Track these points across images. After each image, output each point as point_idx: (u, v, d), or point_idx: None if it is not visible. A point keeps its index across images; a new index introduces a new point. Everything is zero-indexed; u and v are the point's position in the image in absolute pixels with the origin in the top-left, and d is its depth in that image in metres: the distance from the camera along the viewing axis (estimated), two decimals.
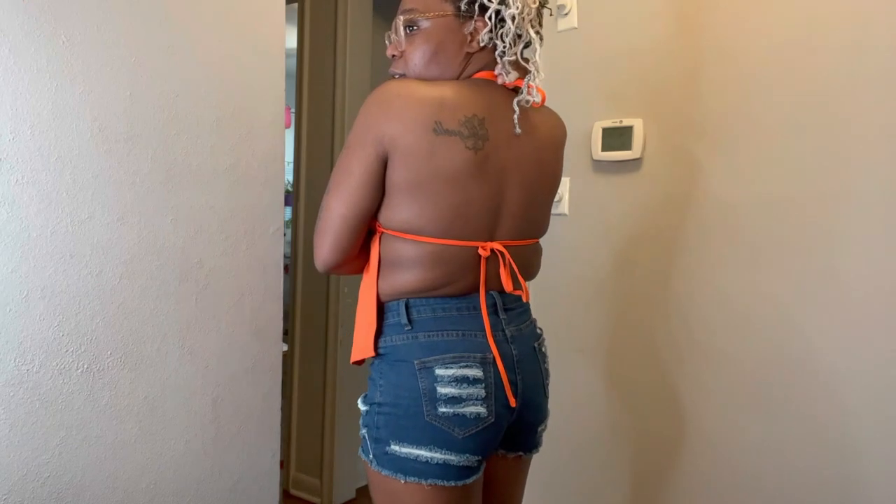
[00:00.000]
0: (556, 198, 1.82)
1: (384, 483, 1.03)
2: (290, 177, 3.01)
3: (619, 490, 1.74)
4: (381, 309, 1.07)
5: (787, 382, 1.47)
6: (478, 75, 1.07)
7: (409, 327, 1.03)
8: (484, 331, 1.04)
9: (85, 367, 1.19)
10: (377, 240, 1.05)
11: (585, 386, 1.80)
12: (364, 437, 1.06)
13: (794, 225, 1.45)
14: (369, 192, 1.01)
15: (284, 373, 2.27)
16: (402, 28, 1.05)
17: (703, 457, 1.59)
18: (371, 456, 1.04)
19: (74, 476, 1.19)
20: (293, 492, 2.66)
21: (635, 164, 1.68)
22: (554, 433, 1.86)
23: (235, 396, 1.43)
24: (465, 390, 1.01)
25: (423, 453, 1.01)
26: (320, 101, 2.54)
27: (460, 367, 1.01)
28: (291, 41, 2.70)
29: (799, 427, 1.46)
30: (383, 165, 1.00)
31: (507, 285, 1.07)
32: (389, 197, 1.02)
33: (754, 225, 1.51)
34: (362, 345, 1.06)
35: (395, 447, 1.01)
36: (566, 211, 1.81)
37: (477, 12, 1.02)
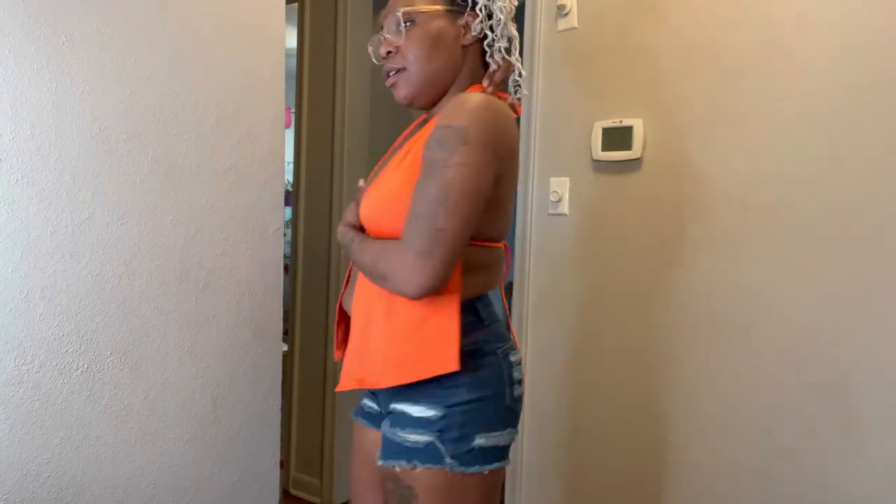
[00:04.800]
0: (556, 198, 1.82)
1: (465, 482, 1.03)
2: (290, 177, 3.00)
3: (618, 491, 1.74)
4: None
5: (790, 384, 1.47)
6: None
7: (485, 322, 1.08)
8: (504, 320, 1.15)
9: (85, 367, 1.19)
10: None
11: (584, 386, 1.80)
12: (429, 445, 1.02)
13: (796, 225, 1.45)
14: (483, 210, 1.00)
15: (284, 373, 2.27)
16: (402, 23, 1.08)
17: (705, 458, 1.59)
18: (448, 459, 1.01)
19: (74, 476, 1.19)
20: (293, 492, 2.66)
21: (635, 164, 1.68)
22: (553, 433, 1.86)
23: (235, 396, 1.43)
24: (521, 372, 1.12)
25: (503, 436, 1.07)
26: (320, 101, 2.54)
27: (517, 352, 1.12)
28: (291, 41, 2.70)
29: (810, 436, 1.46)
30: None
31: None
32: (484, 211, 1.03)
33: (755, 225, 1.50)
34: (444, 358, 1.00)
35: (480, 440, 1.03)
36: (566, 211, 1.81)
37: (469, 7, 1.08)
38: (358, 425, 1.23)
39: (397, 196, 1.02)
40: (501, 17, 1.07)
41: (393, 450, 1.05)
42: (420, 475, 1.01)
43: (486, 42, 1.09)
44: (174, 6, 1.28)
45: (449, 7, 1.07)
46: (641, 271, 1.68)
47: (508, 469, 1.93)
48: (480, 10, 1.07)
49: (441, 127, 0.98)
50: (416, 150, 1.03)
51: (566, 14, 1.80)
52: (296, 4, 2.59)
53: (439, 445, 1.02)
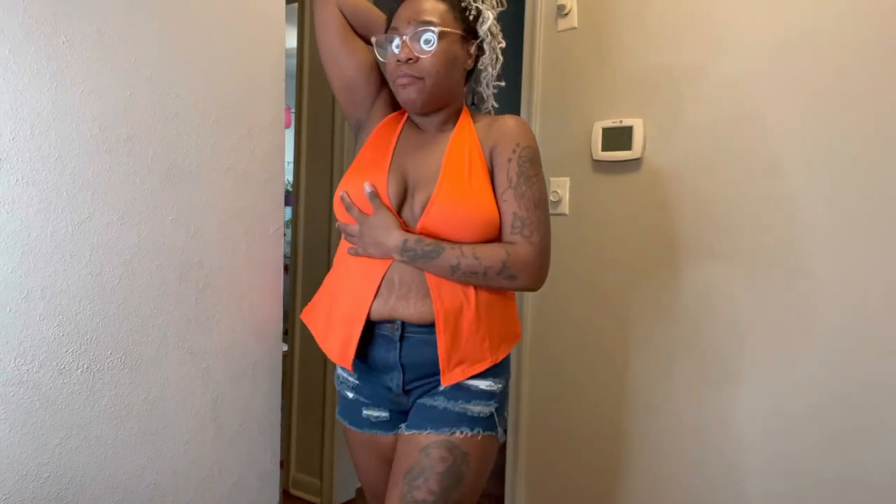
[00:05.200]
0: (556, 198, 1.82)
1: (497, 447, 1.19)
2: (290, 177, 3.00)
3: (616, 485, 1.74)
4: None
5: (791, 382, 1.47)
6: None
7: None
8: None
9: (85, 367, 1.19)
10: None
11: (583, 385, 1.80)
12: (491, 415, 1.16)
13: (797, 225, 1.45)
14: None
15: (284, 373, 2.27)
16: (433, 37, 1.13)
17: (705, 457, 1.59)
18: (499, 428, 1.18)
19: (74, 476, 1.19)
20: (293, 492, 2.66)
21: (635, 164, 1.68)
22: (551, 432, 1.86)
23: (235, 396, 1.43)
24: None
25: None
26: (320, 101, 2.54)
27: None
28: (291, 41, 2.70)
29: (806, 429, 1.46)
30: None
31: None
32: None
33: (755, 225, 1.51)
34: (516, 331, 1.22)
35: (505, 412, 1.21)
36: (566, 211, 1.81)
37: (477, 40, 1.20)
38: (367, 437, 1.26)
39: (487, 205, 1.12)
40: (500, 56, 1.23)
41: (452, 419, 1.13)
42: (480, 441, 1.12)
43: (483, 76, 1.24)
44: (174, 6, 1.28)
45: (463, 34, 1.17)
46: (641, 271, 1.68)
47: (509, 464, 1.93)
48: (489, 46, 1.20)
49: (524, 147, 1.15)
50: (479, 160, 1.15)
51: (566, 14, 1.80)
52: (296, 4, 2.59)
53: (496, 416, 1.17)
